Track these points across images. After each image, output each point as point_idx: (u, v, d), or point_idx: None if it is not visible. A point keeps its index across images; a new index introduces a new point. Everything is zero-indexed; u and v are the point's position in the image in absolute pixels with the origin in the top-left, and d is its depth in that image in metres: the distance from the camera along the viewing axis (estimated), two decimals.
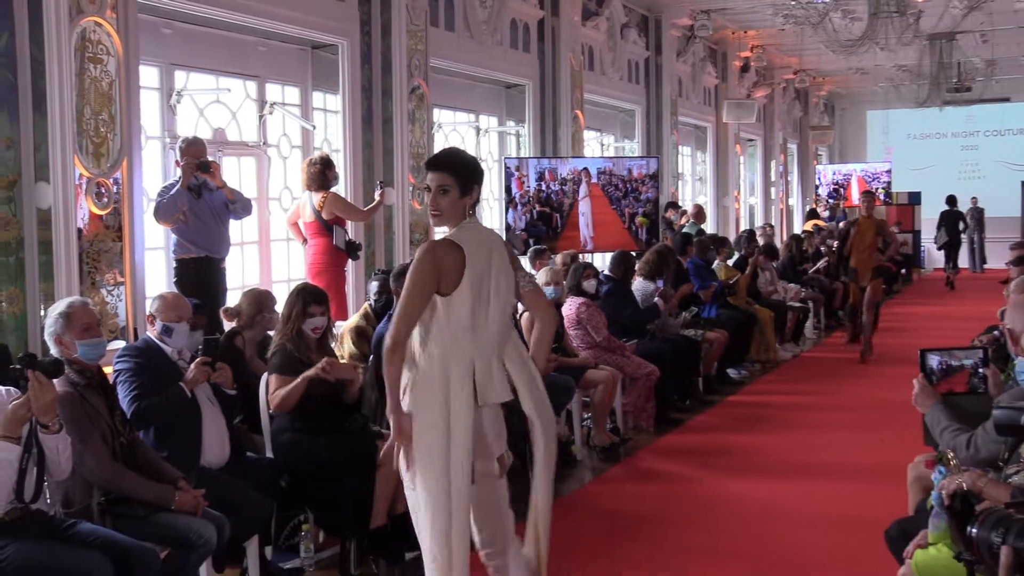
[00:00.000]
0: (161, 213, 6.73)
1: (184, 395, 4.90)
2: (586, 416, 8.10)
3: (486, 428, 4.02)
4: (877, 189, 23.15)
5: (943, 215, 22.35)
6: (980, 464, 3.89)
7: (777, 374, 11.38)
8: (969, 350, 4.53)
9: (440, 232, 4.10)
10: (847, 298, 13.38)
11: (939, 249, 22.56)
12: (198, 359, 5.05)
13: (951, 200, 22.50)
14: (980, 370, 4.45)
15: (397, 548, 5.46)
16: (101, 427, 4.36)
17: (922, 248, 23.89)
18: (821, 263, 15.39)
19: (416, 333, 3.92)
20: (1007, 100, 24.99)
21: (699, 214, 14.83)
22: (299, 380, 5.37)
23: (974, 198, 23.40)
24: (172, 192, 6.72)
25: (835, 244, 13.18)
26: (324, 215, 7.90)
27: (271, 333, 5.92)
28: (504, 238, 4.31)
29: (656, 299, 9.31)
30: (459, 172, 3.97)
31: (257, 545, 5.08)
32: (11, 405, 3.82)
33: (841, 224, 14.94)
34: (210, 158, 7.03)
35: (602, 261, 11.95)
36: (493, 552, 4.16)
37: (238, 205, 7.07)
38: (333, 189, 8.08)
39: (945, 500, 3.29)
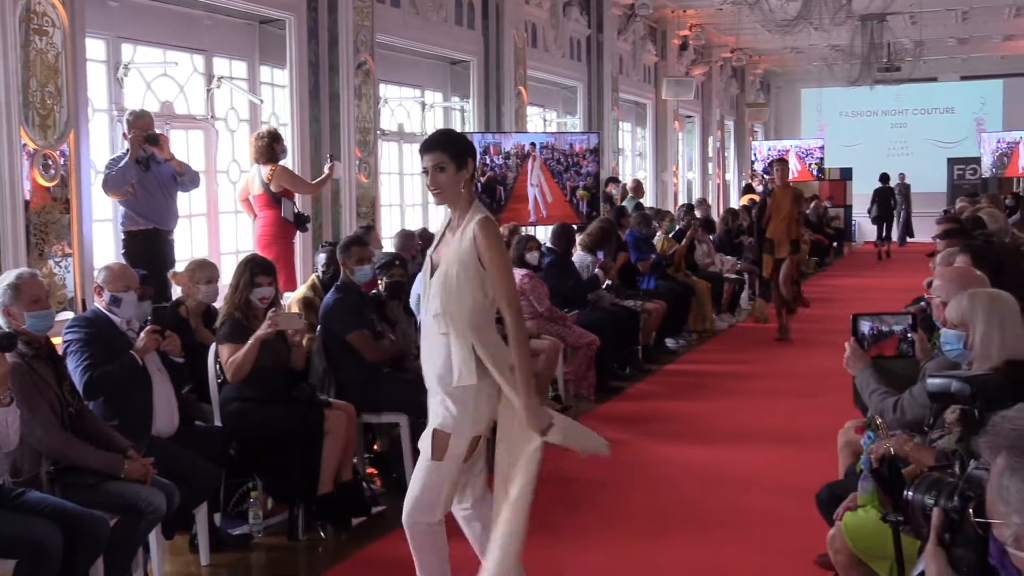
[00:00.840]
0: (110, 185, 6.74)
1: (136, 363, 4.92)
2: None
3: None
4: (811, 165, 23.59)
5: (876, 191, 22.85)
6: (906, 427, 4.06)
7: (713, 343, 11.63)
8: (899, 316, 4.69)
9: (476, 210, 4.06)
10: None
11: (873, 223, 23.10)
12: (148, 327, 5.09)
13: (884, 177, 22.98)
14: (909, 335, 4.62)
15: (344, 514, 5.60)
16: (49, 397, 4.36)
17: (853, 222, 24.41)
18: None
19: (474, 314, 3.91)
20: (934, 80, 25.55)
21: (638, 188, 15.05)
22: (251, 343, 5.43)
23: (901, 174, 23.84)
24: (120, 164, 6.71)
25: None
26: (273, 188, 7.95)
27: (216, 305, 5.99)
28: None
29: (596, 271, 9.51)
30: (450, 148, 4.06)
31: (206, 512, 5.15)
32: None
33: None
34: (158, 131, 7.07)
35: (544, 234, 12.11)
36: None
37: (186, 178, 7.09)
38: (282, 162, 8.14)
39: (873, 464, 3.44)
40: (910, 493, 2.17)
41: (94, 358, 4.87)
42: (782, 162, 11.99)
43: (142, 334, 5.03)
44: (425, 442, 4.01)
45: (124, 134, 6.92)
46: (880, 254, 22.05)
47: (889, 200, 23.03)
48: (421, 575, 4.14)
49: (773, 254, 11.36)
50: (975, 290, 4.14)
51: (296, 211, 8.10)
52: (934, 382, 3.53)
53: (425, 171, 4.10)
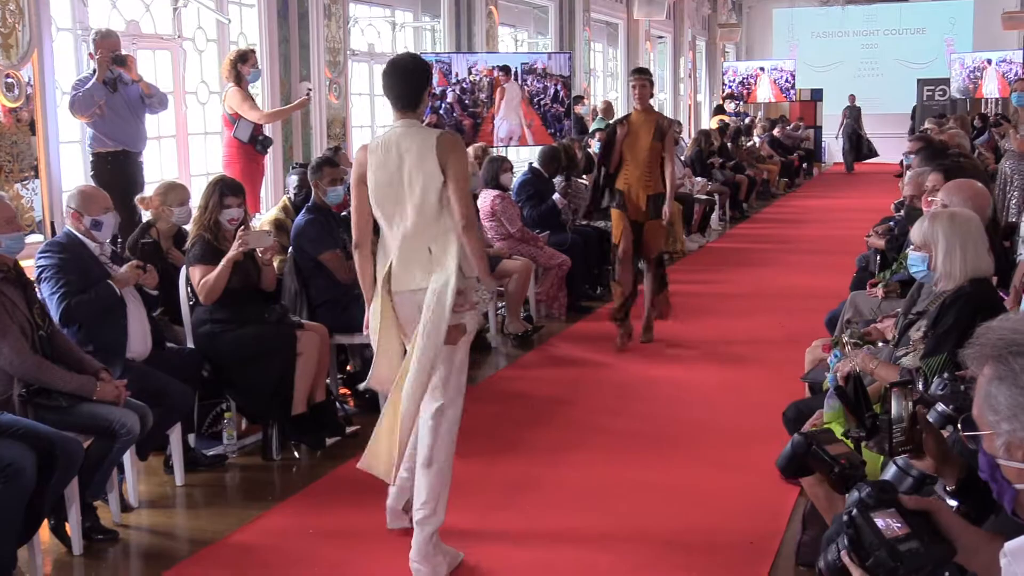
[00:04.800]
0: (77, 107, 6.64)
1: (113, 293, 4.91)
2: (500, 305, 8.35)
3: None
4: (791, 91, 23.54)
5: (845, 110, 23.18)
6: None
7: (684, 264, 11.69)
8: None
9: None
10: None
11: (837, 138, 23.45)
12: (131, 262, 5.09)
13: (851, 97, 23.23)
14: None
15: (317, 434, 5.65)
16: (19, 320, 4.33)
17: (823, 143, 24.46)
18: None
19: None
20: (905, 0, 25.44)
21: (608, 109, 14.98)
22: (222, 264, 5.43)
23: (851, 95, 23.83)
24: (88, 86, 6.61)
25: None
26: (226, 108, 8.02)
27: (186, 227, 5.96)
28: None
29: (555, 196, 9.46)
30: None
31: (180, 433, 5.19)
32: None
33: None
34: (124, 52, 6.97)
35: (515, 155, 12.07)
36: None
37: (154, 99, 7.02)
38: (254, 83, 8.12)
39: (839, 381, 3.51)
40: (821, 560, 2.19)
41: (70, 285, 4.84)
42: (641, 74, 7.85)
43: (124, 268, 5.02)
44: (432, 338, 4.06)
45: (90, 54, 6.81)
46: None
47: (859, 119, 23.32)
48: (443, 476, 4.21)
49: (625, 211, 7.66)
50: (936, 211, 4.19)
51: (256, 133, 8.03)
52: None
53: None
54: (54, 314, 4.77)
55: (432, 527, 4.13)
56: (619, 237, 7.69)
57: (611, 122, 8.31)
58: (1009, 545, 1.73)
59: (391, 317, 4.24)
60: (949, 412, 2.70)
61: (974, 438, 1.84)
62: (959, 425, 1.96)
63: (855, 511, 1.99)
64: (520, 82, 11.58)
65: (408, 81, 4.20)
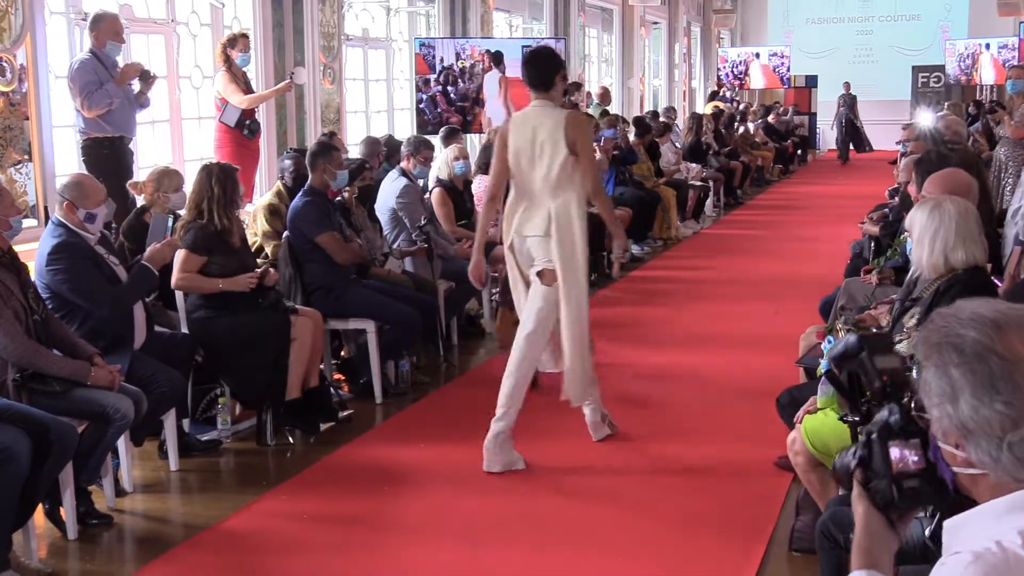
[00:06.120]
0: (93, 104, 6.65)
1: (152, 273, 5.03)
2: (495, 291, 8.33)
3: None
4: (788, 77, 23.46)
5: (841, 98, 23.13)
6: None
7: (678, 250, 11.71)
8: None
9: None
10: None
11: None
12: (168, 239, 5.16)
13: (846, 85, 23.16)
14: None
15: (312, 419, 5.66)
16: (13, 305, 4.31)
17: (817, 130, 24.45)
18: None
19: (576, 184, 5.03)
20: None
21: (604, 96, 14.99)
22: (217, 285, 5.48)
23: (846, 83, 23.74)
24: (105, 87, 6.66)
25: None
26: (215, 92, 8.08)
27: (180, 212, 5.94)
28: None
29: None
30: None
31: (174, 418, 5.19)
32: None
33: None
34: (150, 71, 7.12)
35: None
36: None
37: (146, 102, 7.16)
38: (245, 67, 8.15)
39: (834, 368, 3.52)
40: (836, 460, 2.22)
41: (97, 280, 4.84)
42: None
43: (156, 244, 5.09)
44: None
45: (95, 38, 6.78)
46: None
47: (854, 107, 23.24)
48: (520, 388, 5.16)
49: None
50: (925, 199, 4.18)
51: (244, 118, 8.03)
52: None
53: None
54: (101, 309, 4.80)
55: (500, 426, 5.06)
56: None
57: (494, 131, 6.90)
58: (948, 522, 1.81)
59: (512, 259, 5.22)
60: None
61: (926, 420, 1.91)
62: (913, 405, 2.02)
63: (875, 434, 2.00)
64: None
65: (543, 68, 5.15)
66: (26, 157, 6.30)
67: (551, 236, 5.01)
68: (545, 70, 5.14)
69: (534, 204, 5.09)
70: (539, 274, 5.09)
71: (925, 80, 24.43)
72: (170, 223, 5.45)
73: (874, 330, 4.36)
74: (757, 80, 23.86)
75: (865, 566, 2.00)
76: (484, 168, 8.46)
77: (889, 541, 2.02)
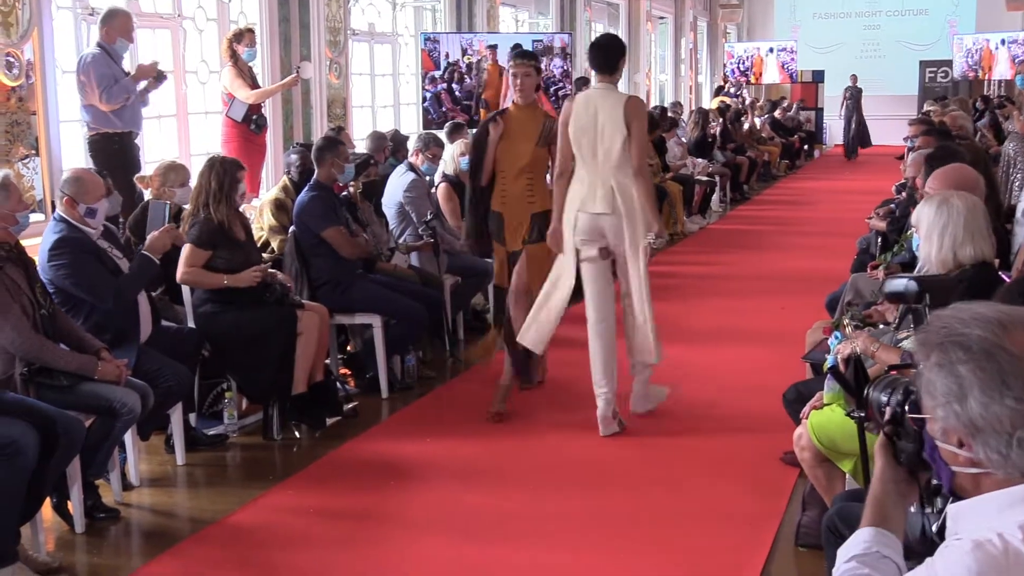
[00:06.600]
0: (112, 98, 6.67)
1: (153, 263, 5.00)
2: None
3: None
4: (795, 72, 23.35)
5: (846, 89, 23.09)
6: None
7: (684, 245, 11.69)
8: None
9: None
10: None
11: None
12: (165, 225, 5.13)
13: (853, 78, 23.11)
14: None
15: (318, 414, 5.67)
16: (21, 300, 4.31)
17: (824, 125, 24.38)
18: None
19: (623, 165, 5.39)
20: None
21: None
22: (222, 280, 5.48)
23: (853, 76, 23.58)
24: (122, 82, 6.70)
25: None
26: (221, 87, 8.11)
27: (186, 206, 5.95)
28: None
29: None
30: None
31: (181, 412, 5.20)
32: None
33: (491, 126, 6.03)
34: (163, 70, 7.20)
35: None
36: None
37: (146, 101, 7.19)
38: (251, 62, 8.17)
39: (840, 364, 3.51)
40: (869, 391, 2.24)
41: (100, 274, 4.84)
42: (523, 59, 5.82)
43: (155, 232, 5.07)
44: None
45: (105, 34, 6.79)
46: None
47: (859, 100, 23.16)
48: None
49: (503, 244, 5.90)
50: (931, 195, 4.17)
51: (250, 113, 8.05)
52: (892, 283, 3.58)
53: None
54: (106, 303, 4.80)
55: (608, 396, 5.53)
56: (503, 277, 5.98)
57: (487, 119, 6.03)
58: (952, 506, 1.84)
59: (569, 234, 5.48)
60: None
61: (919, 420, 1.92)
62: (907, 407, 2.03)
63: (914, 396, 2.01)
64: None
65: (611, 53, 5.53)
66: (33, 152, 6.31)
67: (616, 213, 5.39)
68: (613, 55, 5.53)
69: (596, 182, 5.40)
70: (602, 250, 5.53)
71: (932, 75, 24.37)
72: (167, 210, 5.44)
73: (881, 326, 4.37)
74: (772, 75, 23.74)
75: (875, 523, 2.00)
76: None
77: (904, 492, 2.04)
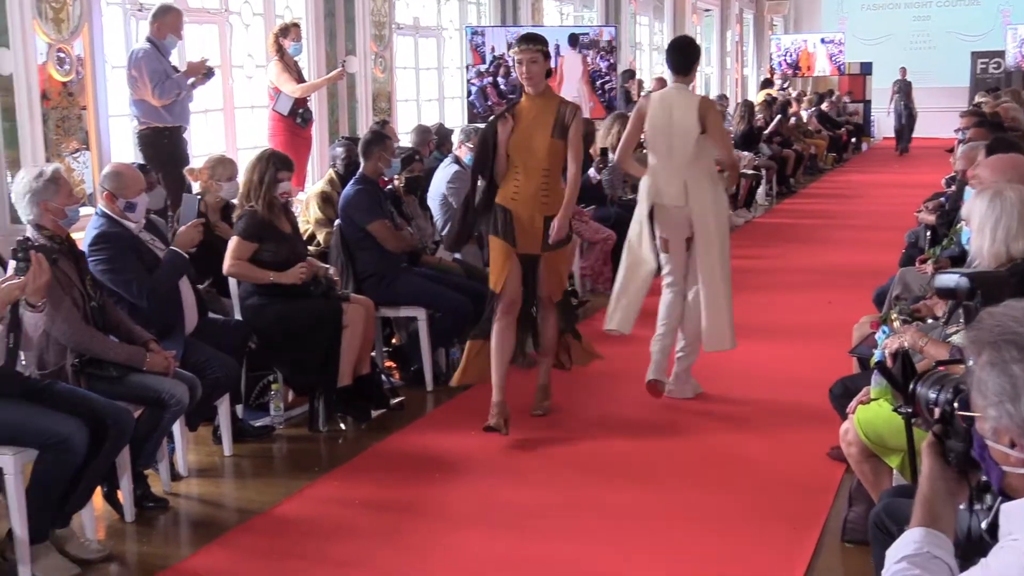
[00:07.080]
0: (165, 93, 6.78)
1: (183, 258, 5.00)
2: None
3: None
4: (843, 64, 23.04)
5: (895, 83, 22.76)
6: None
7: (729, 239, 11.59)
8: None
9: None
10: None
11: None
12: (194, 220, 5.14)
13: (902, 71, 22.80)
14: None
15: (363, 406, 5.70)
16: (72, 292, 4.37)
17: (872, 118, 24.10)
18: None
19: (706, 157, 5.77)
20: None
21: (660, 85, 14.88)
22: (267, 276, 5.51)
23: (902, 68, 23.14)
24: (174, 77, 6.80)
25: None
26: (269, 82, 8.20)
27: (234, 201, 6.00)
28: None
29: (591, 171, 9.36)
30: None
31: (228, 404, 5.24)
32: (4, 286, 3.70)
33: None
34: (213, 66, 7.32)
35: None
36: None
37: (191, 96, 7.27)
38: (296, 56, 8.25)
39: (888, 359, 3.47)
40: (917, 387, 2.21)
41: (137, 270, 4.86)
42: (529, 43, 5.31)
43: (183, 228, 5.08)
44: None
45: (157, 29, 6.87)
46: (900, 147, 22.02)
47: (910, 94, 22.81)
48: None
49: (513, 243, 5.44)
50: (984, 188, 4.10)
51: (296, 107, 8.12)
52: (942, 279, 3.54)
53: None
54: (138, 299, 4.83)
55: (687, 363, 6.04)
56: (501, 279, 5.49)
57: (499, 114, 5.56)
58: (1006, 505, 1.81)
59: (647, 224, 5.80)
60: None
61: (968, 418, 1.89)
62: (956, 404, 2.00)
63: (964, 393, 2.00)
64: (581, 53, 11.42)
65: (688, 55, 5.87)
66: (83, 146, 6.40)
67: (688, 206, 5.73)
68: (689, 57, 5.88)
69: (671, 177, 5.73)
70: (663, 240, 5.89)
71: (984, 66, 24.01)
72: (198, 204, 5.46)
73: (929, 320, 4.33)
74: (822, 67, 23.49)
75: (925, 523, 1.98)
76: None
77: (954, 491, 2.01)
